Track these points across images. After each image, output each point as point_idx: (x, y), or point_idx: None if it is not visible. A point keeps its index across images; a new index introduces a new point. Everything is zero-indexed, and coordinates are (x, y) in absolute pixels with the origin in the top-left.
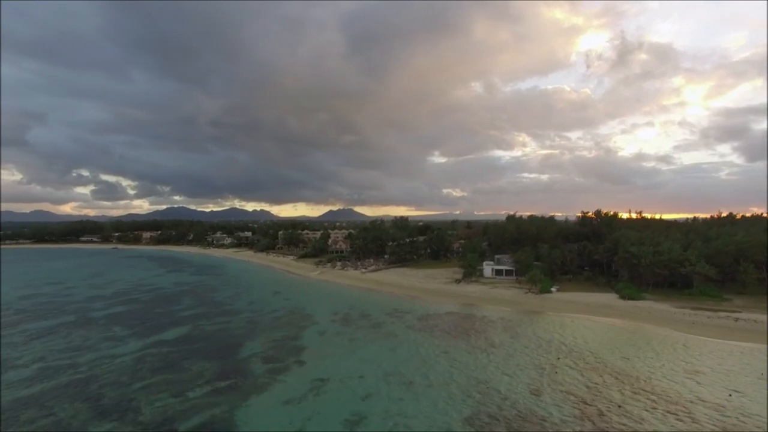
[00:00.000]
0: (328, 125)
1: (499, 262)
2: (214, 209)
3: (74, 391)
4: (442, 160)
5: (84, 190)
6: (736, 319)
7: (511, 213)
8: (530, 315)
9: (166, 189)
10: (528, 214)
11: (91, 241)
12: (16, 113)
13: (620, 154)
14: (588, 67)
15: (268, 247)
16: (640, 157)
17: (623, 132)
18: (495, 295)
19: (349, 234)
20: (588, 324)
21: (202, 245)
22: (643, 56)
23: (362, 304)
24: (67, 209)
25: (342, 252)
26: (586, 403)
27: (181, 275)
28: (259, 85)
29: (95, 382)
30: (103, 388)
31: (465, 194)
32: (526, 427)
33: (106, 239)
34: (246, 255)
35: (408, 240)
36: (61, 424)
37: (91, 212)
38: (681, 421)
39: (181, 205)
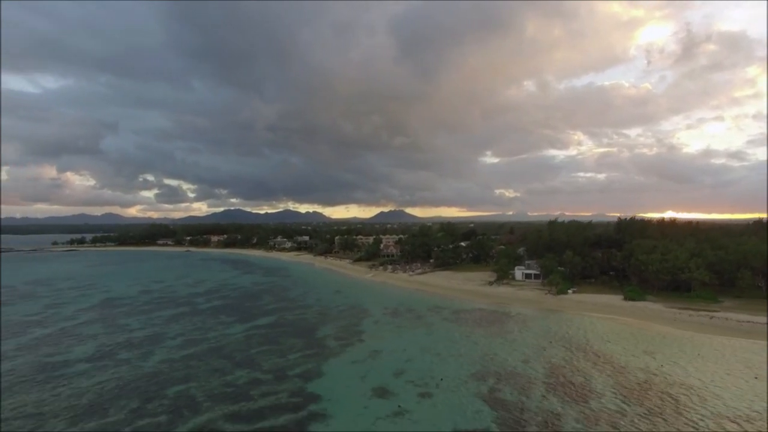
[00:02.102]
0: (380, 127)
1: (528, 267)
2: (269, 211)
3: (214, 353)
4: (495, 160)
5: (149, 194)
6: (711, 317)
7: (556, 216)
8: (544, 312)
9: (224, 192)
10: (584, 214)
11: (166, 245)
12: (92, 123)
13: (685, 150)
14: (648, 62)
15: (326, 251)
16: (708, 153)
17: (688, 127)
18: (520, 296)
19: (399, 239)
20: (589, 319)
21: (266, 248)
22: (711, 47)
23: (409, 301)
24: (133, 212)
25: (392, 256)
26: (557, 368)
27: (256, 276)
28: (313, 90)
29: (225, 349)
30: (231, 352)
31: (518, 194)
32: (511, 380)
33: (178, 242)
34: (306, 258)
35: (451, 246)
36: (217, 369)
37: (154, 215)
38: (618, 377)
39: (237, 208)
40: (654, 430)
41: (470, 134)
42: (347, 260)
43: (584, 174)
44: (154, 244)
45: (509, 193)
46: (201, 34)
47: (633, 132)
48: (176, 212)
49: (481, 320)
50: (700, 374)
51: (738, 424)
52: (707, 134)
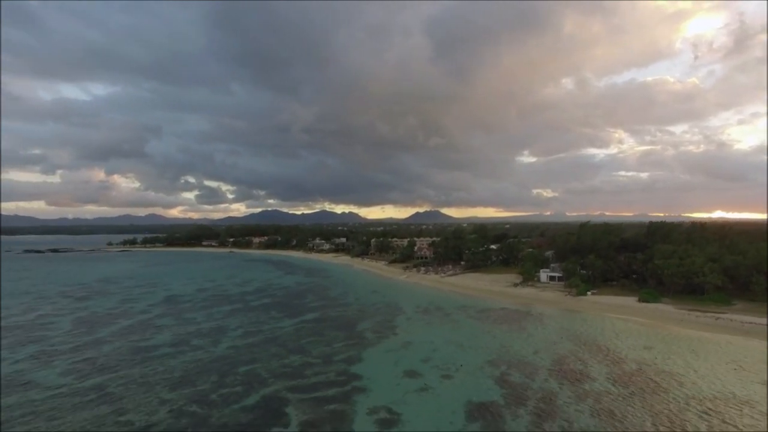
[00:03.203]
0: (416, 128)
1: (553, 270)
2: (305, 212)
3: (270, 342)
4: (532, 159)
5: (189, 195)
6: (717, 318)
7: (591, 218)
8: (562, 311)
9: (262, 193)
10: (626, 214)
11: (211, 246)
12: (137, 128)
13: (736, 147)
14: (696, 56)
15: (363, 253)
16: (763, 149)
17: (740, 123)
18: (542, 297)
19: (433, 242)
20: (604, 319)
21: (305, 250)
22: (766, 37)
23: (439, 301)
24: (175, 213)
25: (426, 258)
26: (563, 358)
27: (298, 277)
28: (349, 92)
29: (278, 339)
30: (284, 342)
31: (556, 194)
32: (520, 367)
33: (222, 244)
34: (344, 260)
35: (482, 249)
36: (275, 354)
37: (194, 215)
38: (614, 366)
39: (274, 208)
40: (633, 406)
41: (507, 134)
42: (383, 262)
43: (626, 173)
44: (199, 245)
45: (547, 193)
46: (240, 39)
47: (678, 129)
48: (216, 213)
49: (502, 318)
50: (689, 365)
51: (711, 402)
52: (761, 129)
